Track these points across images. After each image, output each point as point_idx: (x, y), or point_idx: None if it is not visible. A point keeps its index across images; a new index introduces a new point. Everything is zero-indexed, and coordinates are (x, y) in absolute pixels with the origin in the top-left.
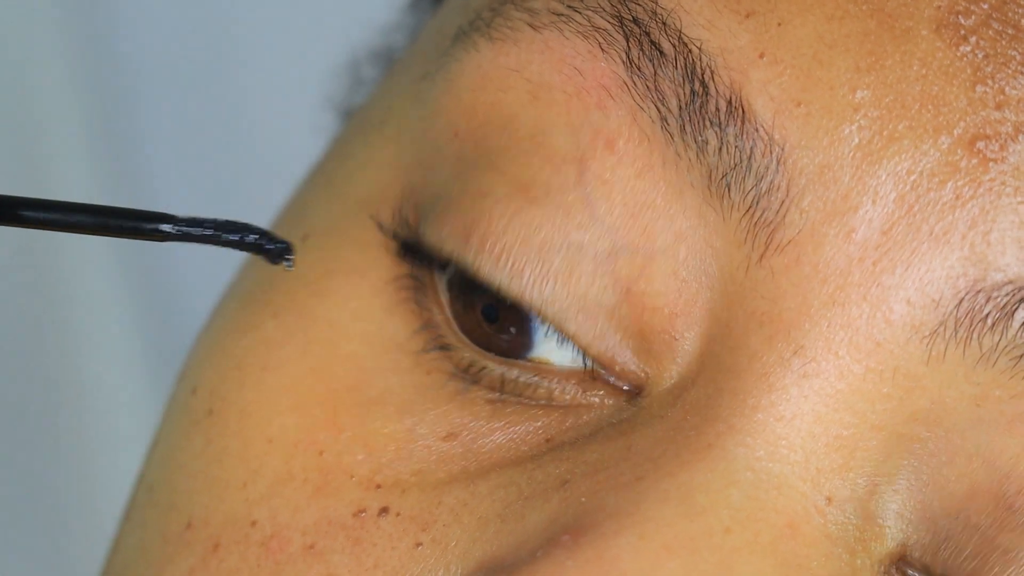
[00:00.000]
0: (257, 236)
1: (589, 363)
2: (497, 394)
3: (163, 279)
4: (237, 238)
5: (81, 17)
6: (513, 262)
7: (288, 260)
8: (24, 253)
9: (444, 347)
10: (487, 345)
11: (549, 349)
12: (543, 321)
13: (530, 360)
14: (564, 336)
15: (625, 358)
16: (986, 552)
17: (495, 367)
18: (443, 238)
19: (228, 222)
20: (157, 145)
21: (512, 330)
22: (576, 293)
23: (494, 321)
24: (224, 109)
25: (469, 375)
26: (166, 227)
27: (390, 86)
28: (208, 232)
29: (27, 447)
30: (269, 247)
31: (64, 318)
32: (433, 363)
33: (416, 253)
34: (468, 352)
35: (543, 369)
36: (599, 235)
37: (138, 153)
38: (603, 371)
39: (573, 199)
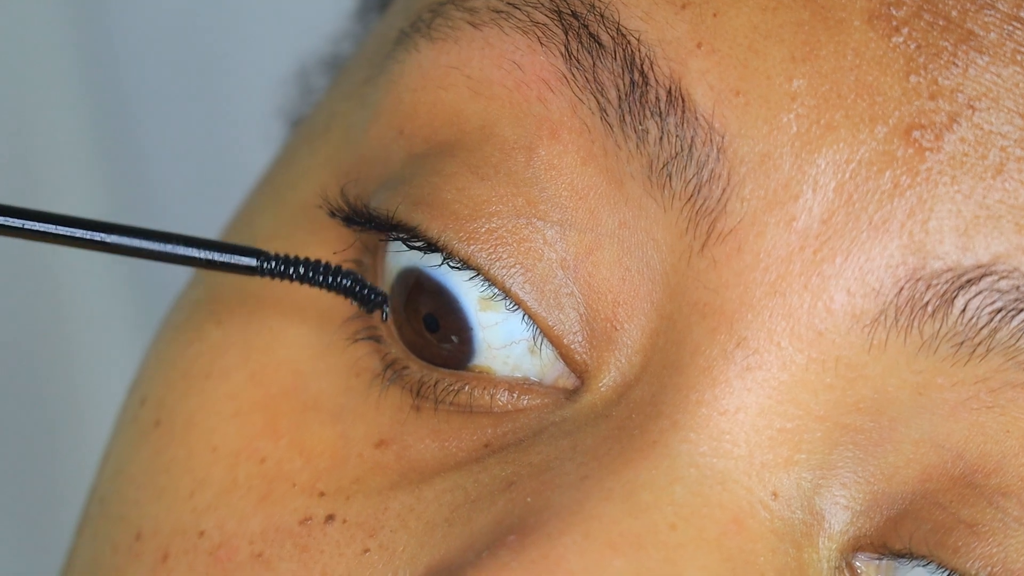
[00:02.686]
0: (350, 282)
1: (538, 336)
2: (414, 397)
3: (163, 279)
4: (330, 281)
5: (81, 17)
6: (462, 228)
7: (384, 311)
8: (22, 255)
9: (375, 338)
10: (421, 352)
11: (492, 356)
12: (491, 284)
13: (471, 369)
14: (512, 302)
15: (572, 339)
16: (949, 525)
17: (416, 370)
18: (392, 207)
19: (319, 264)
20: (156, 147)
21: (454, 339)
22: (525, 263)
23: (435, 331)
24: (223, 111)
25: (392, 372)
26: (255, 262)
27: (335, 93)
28: (300, 273)
29: (26, 447)
30: (364, 293)
31: (62, 317)
32: (362, 361)
33: (364, 221)
34: (396, 348)
35: (477, 378)
36: (548, 211)
37: (137, 154)
38: (538, 380)
39: (523, 179)
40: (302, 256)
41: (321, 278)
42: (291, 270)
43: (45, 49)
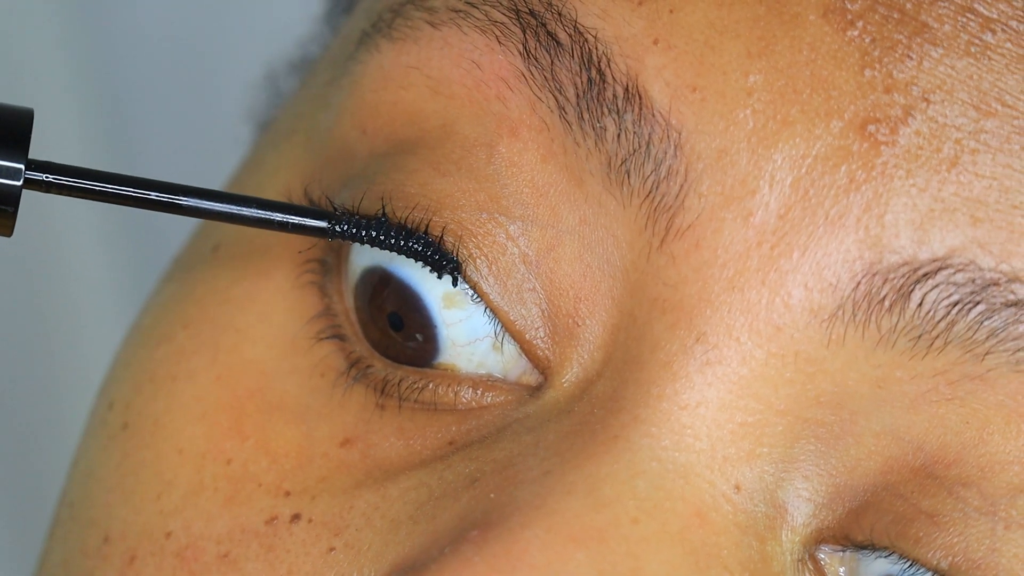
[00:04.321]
0: (422, 246)
1: (500, 332)
2: (378, 396)
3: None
4: (402, 244)
5: (74, 17)
6: (425, 222)
7: (456, 277)
8: (21, 245)
9: (340, 336)
10: (386, 351)
11: (456, 353)
12: (455, 271)
13: (435, 366)
14: (476, 294)
15: (534, 335)
16: (910, 516)
17: (380, 368)
18: (355, 205)
19: (391, 227)
20: (147, 145)
21: (419, 336)
22: (489, 256)
23: (399, 329)
24: (221, 107)
25: (356, 370)
26: (326, 225)
27: (301, 95)
28: (372, 236)
29: (26, 438)
30: (435, 258)
31: (62, 309)
32: (327, 360)
33: None
34: (360, 347)
35: (441, 375)
36: (510, 206)
37: (129, 152)
38: (502, 376)
39: (484, 175)
40: (367, 219)
41: (393, 241)
42: (363, 232)
43: (38, 50)
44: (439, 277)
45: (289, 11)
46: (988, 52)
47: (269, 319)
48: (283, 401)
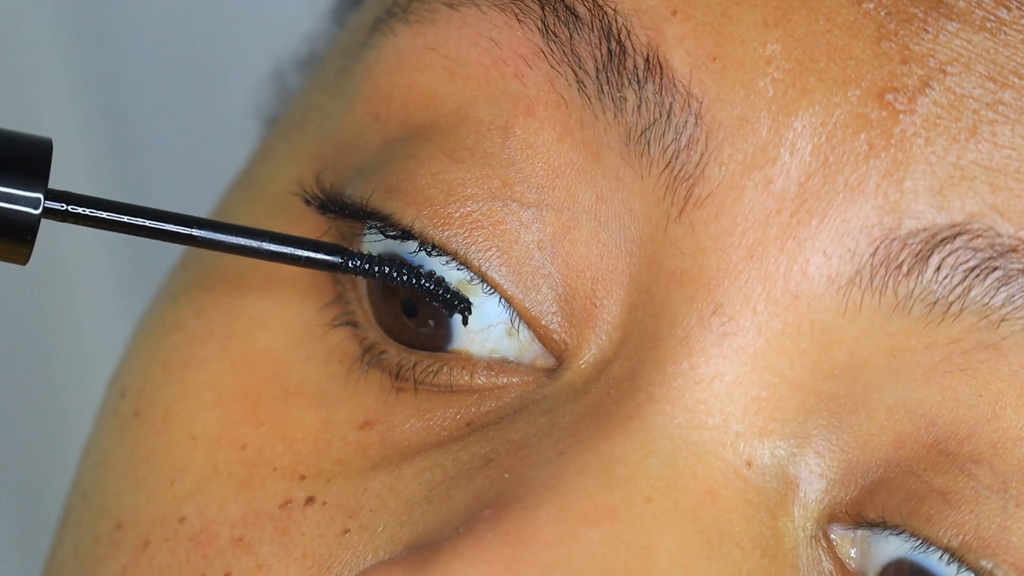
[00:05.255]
0: (433, 285)
1: (515, 318)
2: (394, 380)
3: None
4: (413, 282)
5: (75, 17)
6: (436, 213)
7: (466, 316)
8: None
9: (353, 323)
10: (399, 337)
11: (469, 339)
12: (468, 268)
13: (449, 352)
14: (489, 286)
15: (550, 320)
16: (922, 494)
17: (394, 354)
18: (366, 195)
19: (403, 265)
20: (153, 145)
21: (431, 323)
22: (501, 246)
23: (413, 315)
24: (221, 111)
25: (370, 356)
26: (339, 260)
27: (311, 86)
28: (385, 272)
29: (26, 439)
30: (447, 297)
31: (64, 308)
32: (341, 346)
33: (338, 209)
34: (373, 333)
35: (455, 358)
36: (524, 192)
37: (134, 152)
38: (517, 360)
39: (499, 161)
40: (380, 257)
41: (404, 278)
42: (375, 269)
43: (40, 46)
44: (450, 316)
45: (296, 7)
46: (1003, 28)
47: (282, 307)
48: (300, 387)
